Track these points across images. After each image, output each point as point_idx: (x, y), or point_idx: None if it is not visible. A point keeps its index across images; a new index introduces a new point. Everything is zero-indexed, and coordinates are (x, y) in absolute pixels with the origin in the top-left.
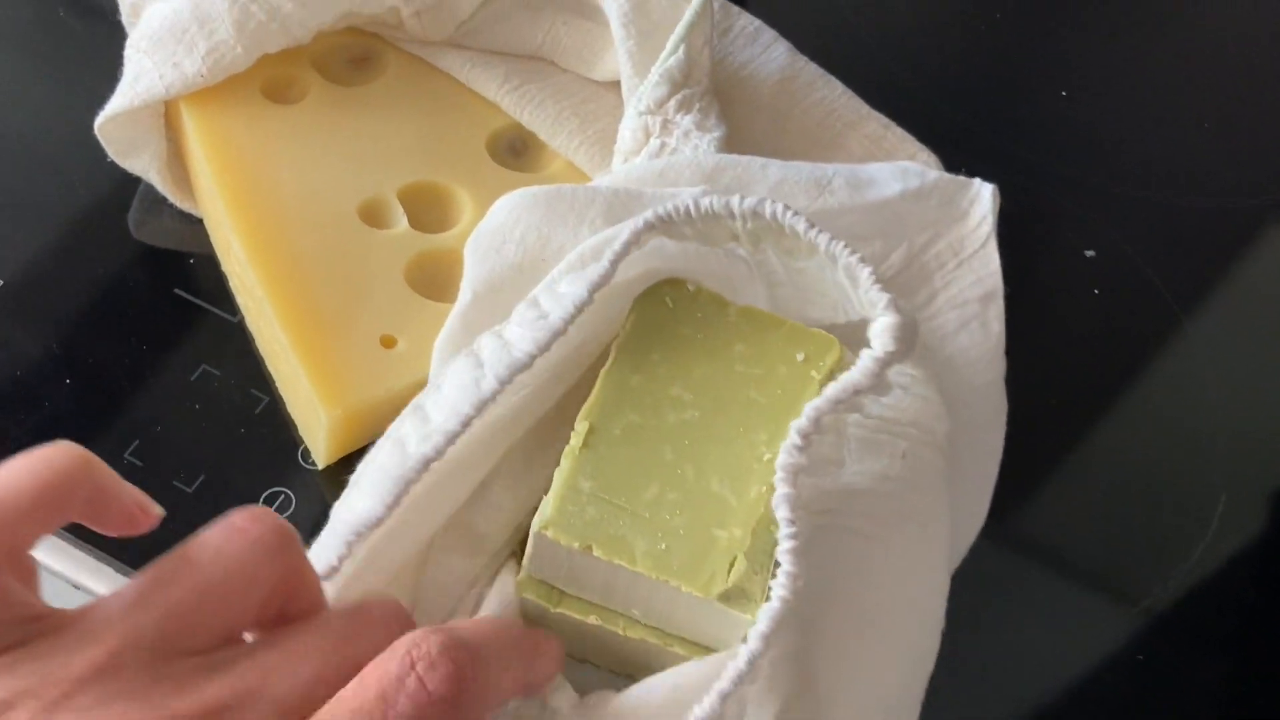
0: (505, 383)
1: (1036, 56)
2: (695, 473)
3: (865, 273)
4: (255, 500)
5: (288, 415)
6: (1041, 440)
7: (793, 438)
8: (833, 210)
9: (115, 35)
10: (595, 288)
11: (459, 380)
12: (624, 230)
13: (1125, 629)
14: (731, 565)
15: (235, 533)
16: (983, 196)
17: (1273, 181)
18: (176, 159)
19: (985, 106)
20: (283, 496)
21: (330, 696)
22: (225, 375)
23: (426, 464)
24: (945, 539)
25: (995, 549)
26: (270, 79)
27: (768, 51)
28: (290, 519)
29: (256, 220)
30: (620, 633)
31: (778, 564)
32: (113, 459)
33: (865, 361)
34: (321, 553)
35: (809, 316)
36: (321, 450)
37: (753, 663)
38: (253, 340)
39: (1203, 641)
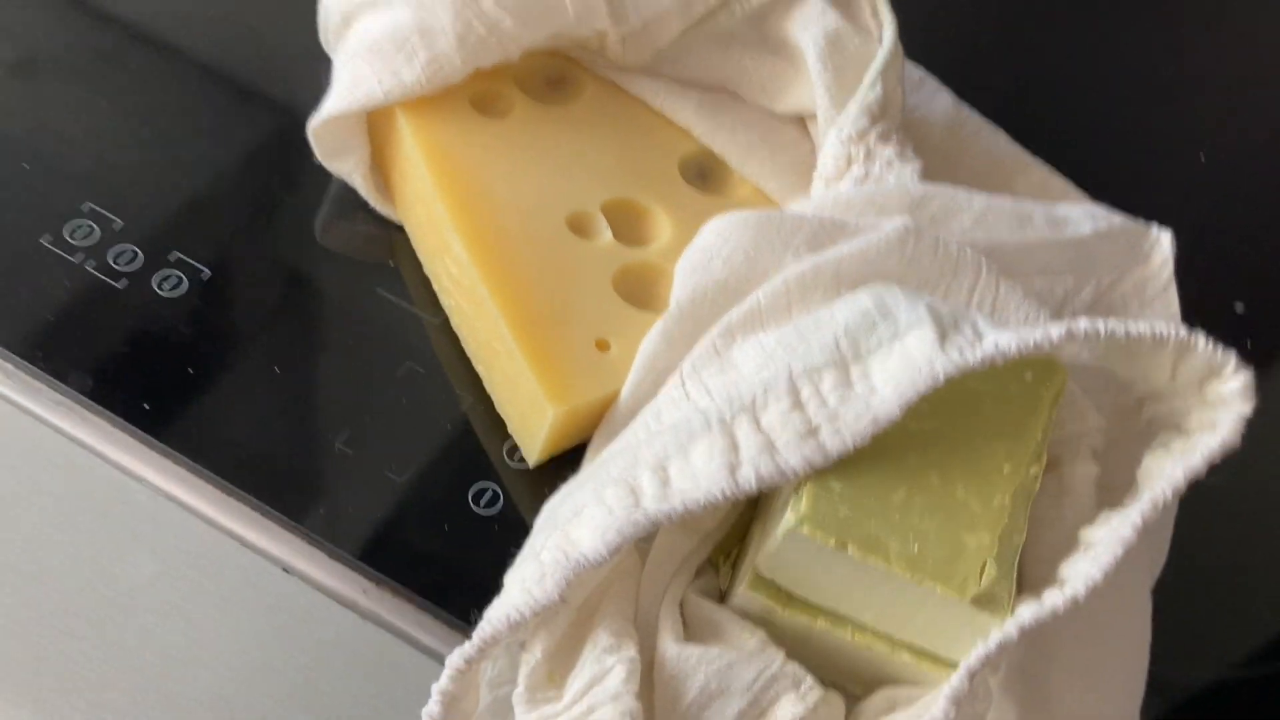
0: (763, 484)
1: (1181, 119)
2: (940, 479)
3: (1205, 343)
4: (464, 495)
5: (492, 414)
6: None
7: (1162, 491)
8: (1033, 243)
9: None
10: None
11: (712, 461)
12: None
13: None
14: (982, 569)
15: None
16: (1163, 241)
17: None
18: (378, 164)
19: (1130, 162)
20: (490, 492)
21: None
22: (430, 373)
23: (656, 524)
24: (1149, 562)
25: None
26: (479, 93)
27: (934, 99)
28: (499, 514)
29: (476, 224)
30: (849, 638)
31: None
32: (324, 448)
33: (1233, 422)
34: (539, 583)
35: None
36: (537, 448)
37: (1003, 648)
38: (456, 342)
39: None
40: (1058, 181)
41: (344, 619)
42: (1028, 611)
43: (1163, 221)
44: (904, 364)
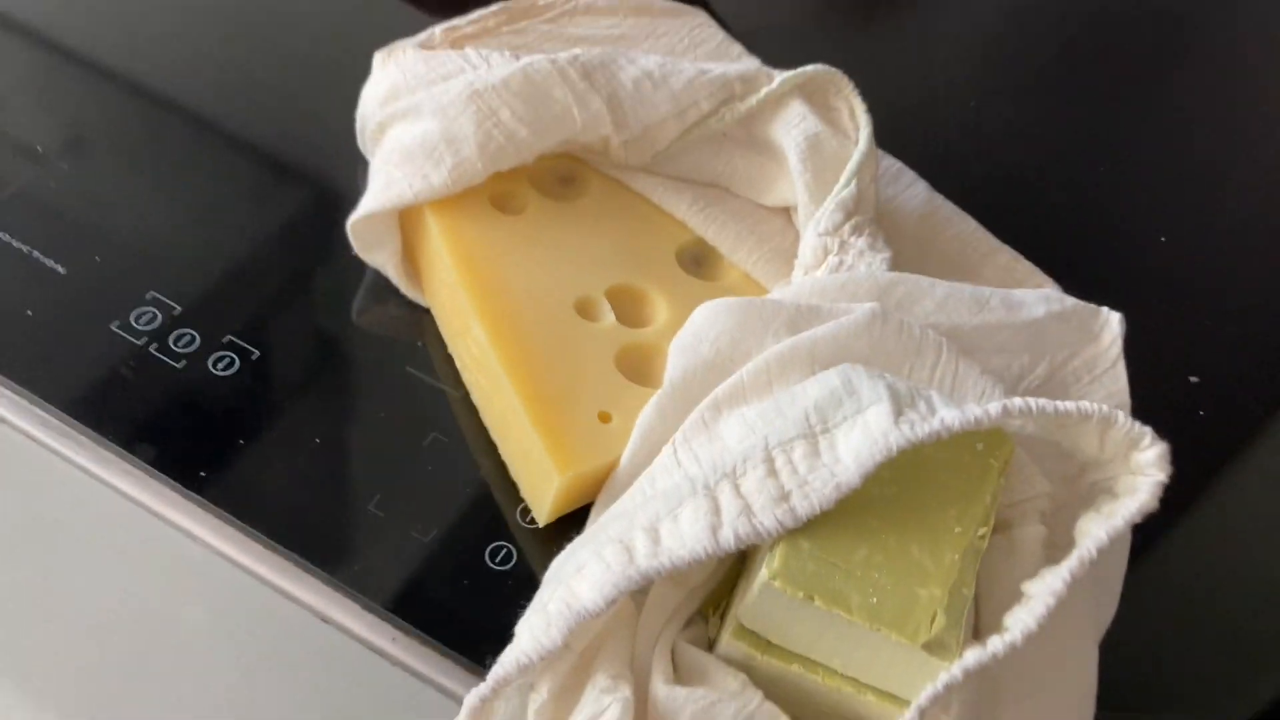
0: (741, 542)
1: (1140, 202)
2: (897, 540)
3: (1123, 418)
4: (482, 554)
5: (507, 479)
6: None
7: (1088, 550)
8: (991, 325)
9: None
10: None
11: (697, 523)
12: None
13: None
14: (933, 619)
15: None
16: (1112, 322)
17: None
18: (407, 255)
19: (1093, 245)
20: (506, 550)
21: None
22: (452, 442)
23: (648, 578)
24: (1093, 615)
25: None
26: (497, 192)
27: (910, 189)
28: (512, 570)
29: (494, 308)
30: (820, 680)
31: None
32: (359, 510)
33: (1151, 487)
34: (545, 630)
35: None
36: (545, 510)
37: (949, 687)
38: (475, 414)
39: None
40: (1023, 265)
41: (375, 664)
42: (972, 655)
43: (1124, 298)
44: (864, 437)
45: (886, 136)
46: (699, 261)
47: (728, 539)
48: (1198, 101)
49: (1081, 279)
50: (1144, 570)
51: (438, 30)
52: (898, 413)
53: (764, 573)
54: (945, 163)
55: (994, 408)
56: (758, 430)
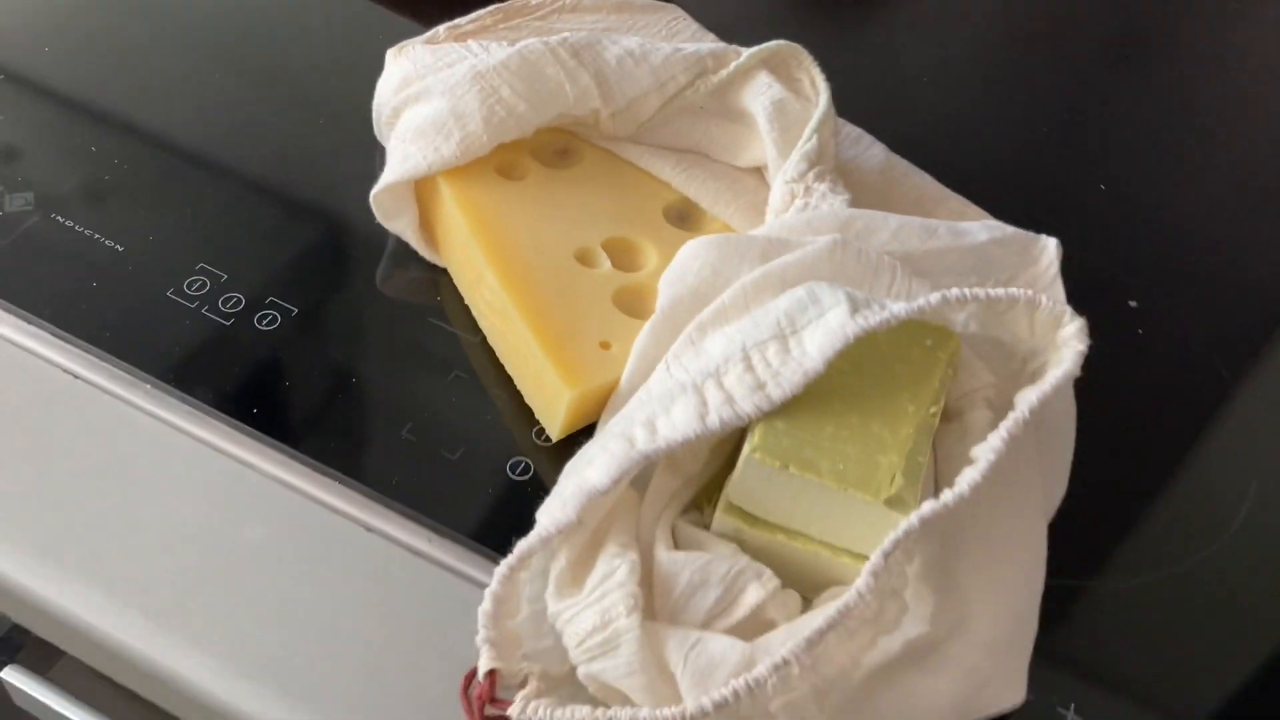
0: (726, 425)
1: (1081, 158)
2: (859, 418)
3: (1046, 299)
4: (504, 466)
5: (522, 406)
6: (1091, 458)
7: (1021, 411)
8: (939, 250)
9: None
10: (827, 359)
11: (688, 413)
12: (898, 308)
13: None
14: (892, 480)
15: None
16: (1049, 246)
17: None
18: (424, 222)
19: (1040, 196)
20: (524, 464)
21: None
22: (472, 379)
23: (648, 459)
24: (1040, 493)
25: None
26: (502, 162)
27: (869, 150)
28: (530, 480)
29: (505, 261)
30: (800, 547)
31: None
32: (393, 437)
33: (1073, 355)
34: (562, 508)
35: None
36: (558, 425)
37: (909, 534)
38: (492, 355)
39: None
40: (973, 209)
41: (415, 564)
42: (928, 506)
43: (1069, 236)
44: (825, 331)
45: (849, 109)
46: (684, 217)
47: (714, 423)
48: (1138, 63)
49: (1028, 224)
50: (1089, 466)
51: (441, 29)
52: (854, 310)
53: (746, 448)
54: (903, 128)
55: (934, 297)
56: (735, 340)
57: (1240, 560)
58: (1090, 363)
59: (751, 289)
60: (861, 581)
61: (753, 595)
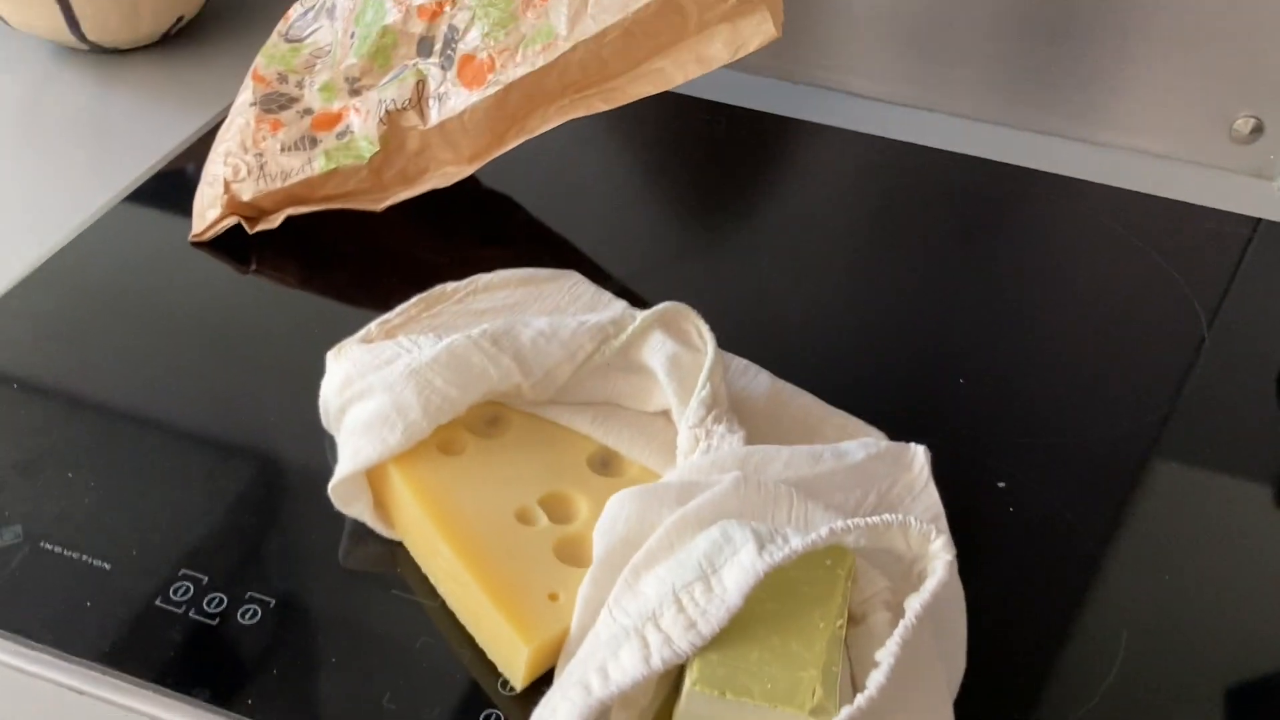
0: (668, 664)
1: (939, 360)
2: (779, 639)
3: (915, 522)
4: (477, 717)
5: (486, 662)
6: (982, 631)
7: (909, 618)
8: (827, 472)
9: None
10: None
11: (633, 657)
12: (809, 537)
13: None
14: (814, 692)
15: None
16: (919, 454)
17: (1132, 419)
18: (378, 502)
19: (909, 399)
20: (494, 716)
21: None
22: (437, 642)
23: (605, 704)
24: (942, 676)
25: None
26: (442, 439)
27: (756, 379)
28: None
29: (454, 529)
30: None
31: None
32: (376, 706)
33: (944, 564)
34: None
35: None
36: (520, 676)
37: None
38: (452, 616)
39: None
40: (854, 422)
41: None
42: (844, 712)
43: (939, 430)
44: (739, 570)
45: (733, 343)
46: (606, 464)
47: (657, 663)
48: (1000, 258)
49: (902, 424)
50: (982, 641)
51: (373, 326)
52: (761, 547)
53: (687, 682)
54: (784, 350)
55: (824, 530)
56: (666, 581)
57: (1123, 706)
58: (970, 545)
59: (674, 531)
60: None
61: None
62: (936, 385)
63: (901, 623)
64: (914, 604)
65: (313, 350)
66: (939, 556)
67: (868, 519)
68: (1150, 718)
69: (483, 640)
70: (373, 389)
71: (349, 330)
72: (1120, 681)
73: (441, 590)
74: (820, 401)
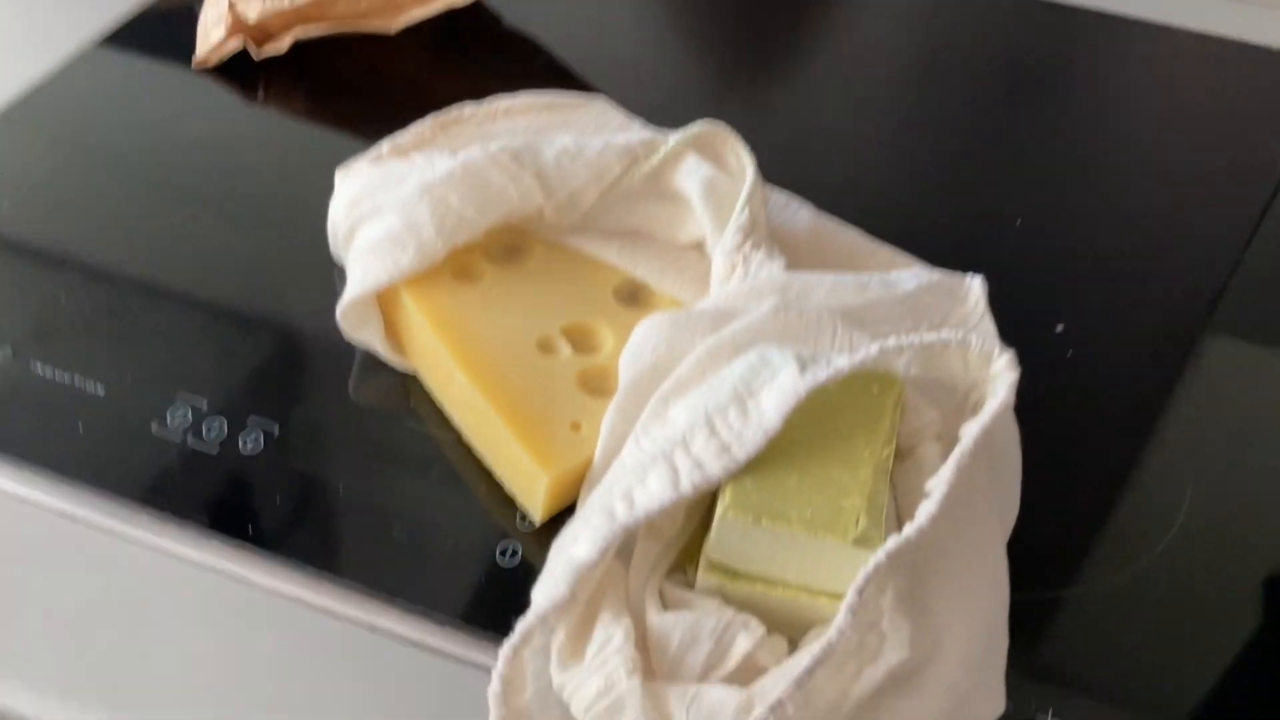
0: (698, 489)
1: (994, 197)
2: (820, 466)
3: (975, 339)
4: (492, 552)
5: (503, 495)
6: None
7: (966, 443)
8: (874, 302)
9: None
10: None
11: (661, 482)
12: (843, 361)
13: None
14: (857, 521)
15: None
16: (974, 285)
17: (1197, 277)
18: (390, 330)
19: (963, 237)
20: (512, 548)
21: None
22: (452, 474)
23: (629, 530)
24: (996, 514)
25: None
26: (457, 266)
27: (798, 213)
28: (519, 564)
29: (471, 358)
30: (780, 594)
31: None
32: (385, 537)
33: (1006, 384)
34: (555, 586)
35: None
36: (539, 508)
37: (878, 569)
38: (468, 449)
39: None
40: (902, 258)
41: (422, 658)
42: (892, 541)
43: (993, 270)
44: (779, 391)
45: (774, 175)
46: (633, 296)
47: (686, 488)
48: (1048, 96)
49: (955, 264)
50: (1037, 485)
51: (384, 146)
52: (803, 368)
53: (720, 508)
54: (827, 187)
55: (873, 348)
56: (698, 407)
57: (1186, 557)
58: (1026, 389)
59: (706, 358)
60: (841, 618)
61: (742, 645)
62: (992, 226)
63: (958, 448)
64: (972, 429)
65: (322, 180)
66: (1002, 376)
67: (923, 336)
68: (1211, 573)
69: (500, 471)
70: (383, 208)
71: (357, 150)
72: (1183, 533)
73: (457, 421)
74: (867, 236)
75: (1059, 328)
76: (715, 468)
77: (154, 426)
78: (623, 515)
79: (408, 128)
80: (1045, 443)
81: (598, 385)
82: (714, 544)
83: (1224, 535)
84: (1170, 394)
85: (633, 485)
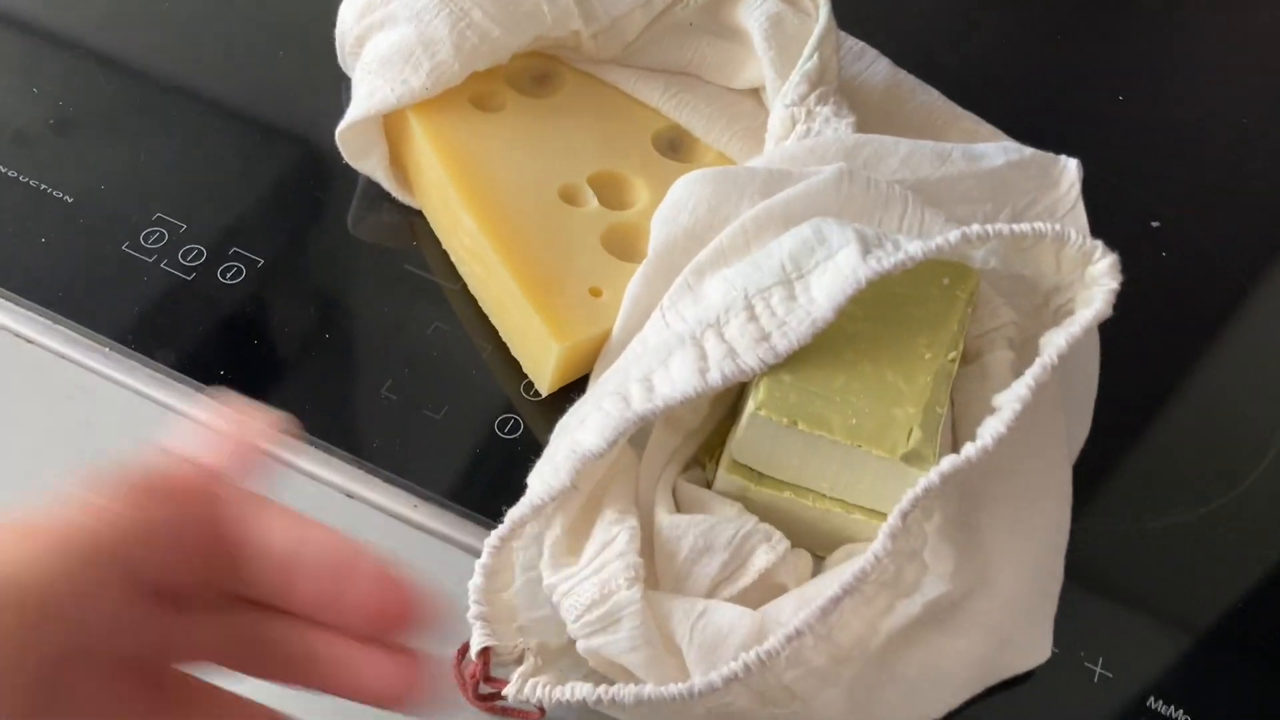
0: (728, 381)
1: (1096, 67)
2: (872, 367)
3: (1075, 234)
4: (491, 424)
5: (509, 358)
6: (1114, 391)
7: (1050, 356)
8: (953, 176)
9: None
10: (838, 307)
11: (686, 368)
12: (911, 248)
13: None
14: (909, 434)
15: None
16: (1070, 167)
17: None
18: (396, 160)
19: (1055, 110)
20: (513, 421)
21: None
22: (454, 330)
23: (644, 419)
24: (1064, 436)
25: None
26: (476, 92)
27: (872, 66)
28: (520, 438)
29: (484, 202)
30: (810, 504)
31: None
32: (372, 396)
33: (1105, 295)
34: (554, 473)
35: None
36: (547, 380)
37: (929, 491)
38: (474, 304)
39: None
40: (986, 128)
41: (401, 531)
42: (948, 462)
43: (1086, 153)
44: (834, 276)
45: (848, 20)
46: (675, 146)
47: (715, 378)
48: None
49: (1045, 141)
50: (1114, 402)
51: None
52: (865, 251)
53: (750, 405)
54: (907, 40)
55: (953, 235)
56: (737, 285)
57: (1275, 498)
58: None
59: (752, 227)
60: (878, 544)
61: (761, 559)
62: (1088, 99)
63: (1038, 362)
64: (1057, 341)
65: None
66: (1100, 283)
67: (1013, 225)
68: None
69: (507, 334)
70: (396, 17)
71: None
72: (1275, 468)
73: (464, 272)
74: (949, 102)
75: (1155, 223)
76: (750, 359)
77: (125, 246)
78: (639, 402)
79: None
80: (1129, 353)
81: (626, 246)
82: (740, 443)
83: None
84: (1271, 307)
85: (653, 368)
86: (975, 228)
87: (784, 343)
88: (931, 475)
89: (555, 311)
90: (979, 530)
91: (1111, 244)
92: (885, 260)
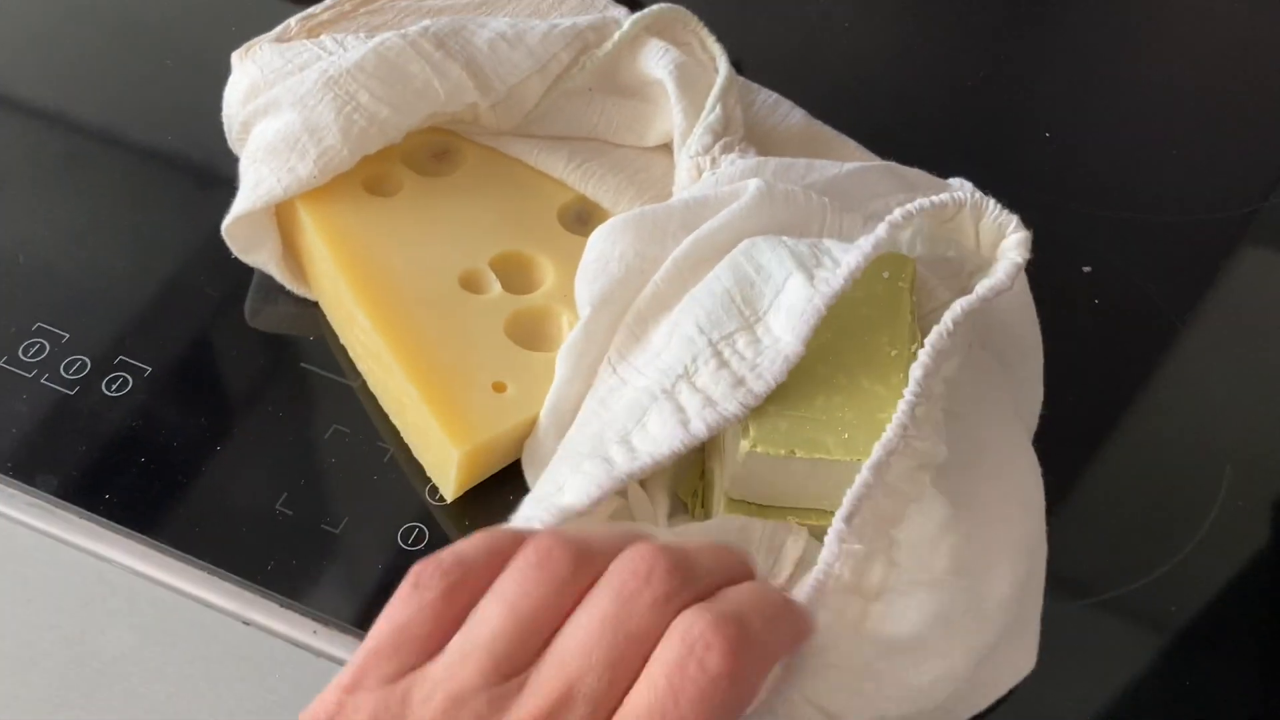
0: (712, 430)
1: (1019, 106)
2: (847, 377)
3: (992, 203)
4: (394, 536)
5: (413, 462)
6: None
7: (946, 324)
8: (858, 172)
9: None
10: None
11: (666, 424)
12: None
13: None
14: None
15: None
16: (965, 184)
17: (1233, 198)
18: (289, 252)
19: (977, 151)
20: (417, 530)
21: (621, 678)
22: (354, 432)
23: (632, 477)
24: (1016, 412)
25: None
26: (369, 175)
27: (788, 117)
28: (426, 548)
29: (376, 295)
30: (814, 523)
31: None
32: (266, 511)
33: (1008, 267)
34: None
35: None
36: (451, 485)
37: (866, 487)
38: (374, 401)
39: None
40: (911, 174)
41: (300, 658)
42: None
43: (1018, 196)
44: (792, 311)
45: (761, 72)
46: (583, 219)
47: (698, 429)
48: (1041, 15)
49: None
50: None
51: (293, 21)
52: (810, 276)
53: (744, 444)
54: (822, 88)
55: (881, 228)
56: (697, 331)
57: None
58: (1053, 335)
59: (686, 265)
60: (827, 550)
61: (793, 550)
62: (1013, 143)
63: (935, 329)
64: (955, 306)
65: (228, 48)
66: (1007, 256)
67: (932, 198)
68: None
69: (408, 435)
70: (280, 102)
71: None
72: (1225, 516)
73: (361, 367)
74: (866, 151)
75: (1086, 268)
76: (731, 405)
77: (3, 361)
78: (623, 464)
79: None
80: (1075, 401)
81: (532, 334)
82: (737, 480)
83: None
84: (1214, 348)
85: (630, 429)
86: (898, 211)
87: (760, 384)
88: (864, 472)
89: (454, 413)
90: (975, 485)
91: (1045, 293)
92: (834, 282)
